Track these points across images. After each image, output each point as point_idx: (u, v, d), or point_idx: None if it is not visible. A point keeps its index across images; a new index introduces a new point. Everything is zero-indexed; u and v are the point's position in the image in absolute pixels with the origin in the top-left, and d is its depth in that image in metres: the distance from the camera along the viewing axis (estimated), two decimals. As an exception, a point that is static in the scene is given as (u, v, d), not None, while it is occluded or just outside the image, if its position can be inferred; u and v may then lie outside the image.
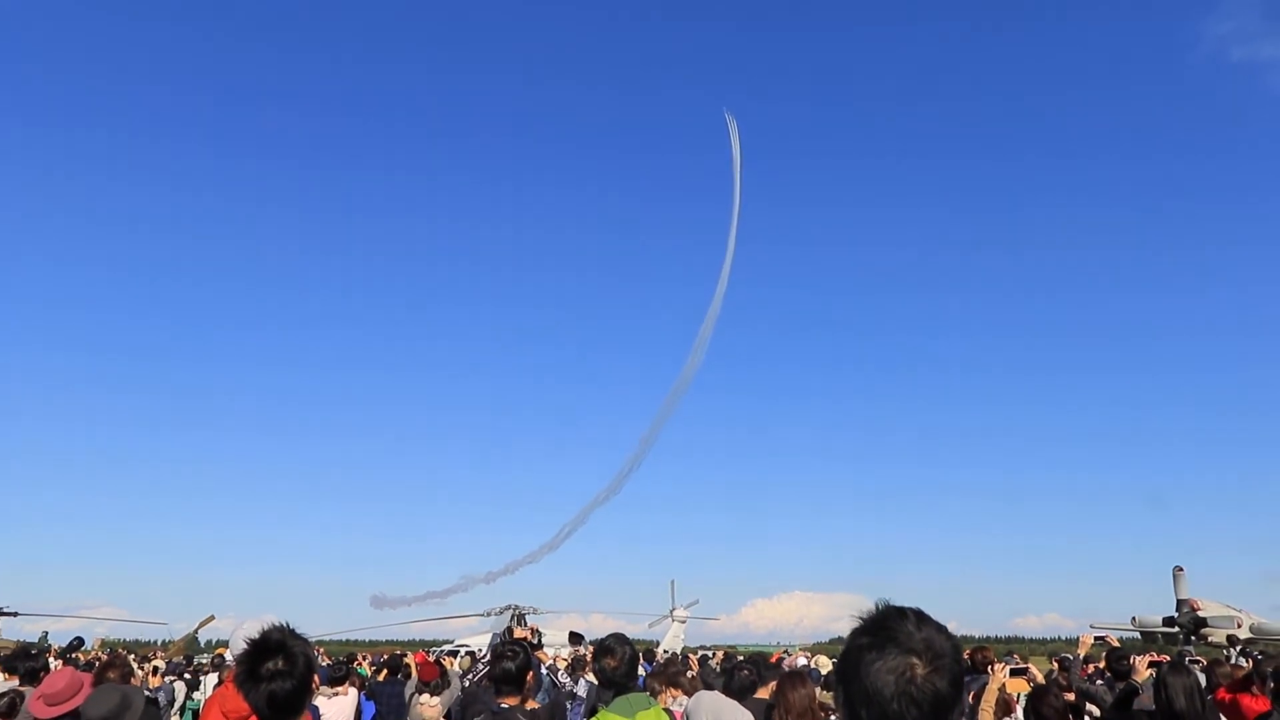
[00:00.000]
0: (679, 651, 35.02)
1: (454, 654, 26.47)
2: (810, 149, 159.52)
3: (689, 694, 7.61)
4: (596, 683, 6.61)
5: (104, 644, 24.71)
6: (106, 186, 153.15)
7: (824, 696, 7.38)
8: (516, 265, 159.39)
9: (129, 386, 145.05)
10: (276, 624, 3.30)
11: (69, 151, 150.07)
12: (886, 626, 1.79)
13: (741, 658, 13.41)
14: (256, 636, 3.24)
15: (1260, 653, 23.19)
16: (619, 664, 4.87)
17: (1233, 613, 32.21)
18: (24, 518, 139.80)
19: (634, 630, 51.39)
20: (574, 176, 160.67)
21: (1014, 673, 11.26)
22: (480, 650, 25.12)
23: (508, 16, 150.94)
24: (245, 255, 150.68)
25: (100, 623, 48.85)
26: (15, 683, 7.85)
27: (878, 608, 1.87)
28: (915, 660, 1.73)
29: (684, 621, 50.74)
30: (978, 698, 7.71)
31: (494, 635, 32.33)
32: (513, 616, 39.58)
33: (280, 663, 3.13)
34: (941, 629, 1.81)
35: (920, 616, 1.82)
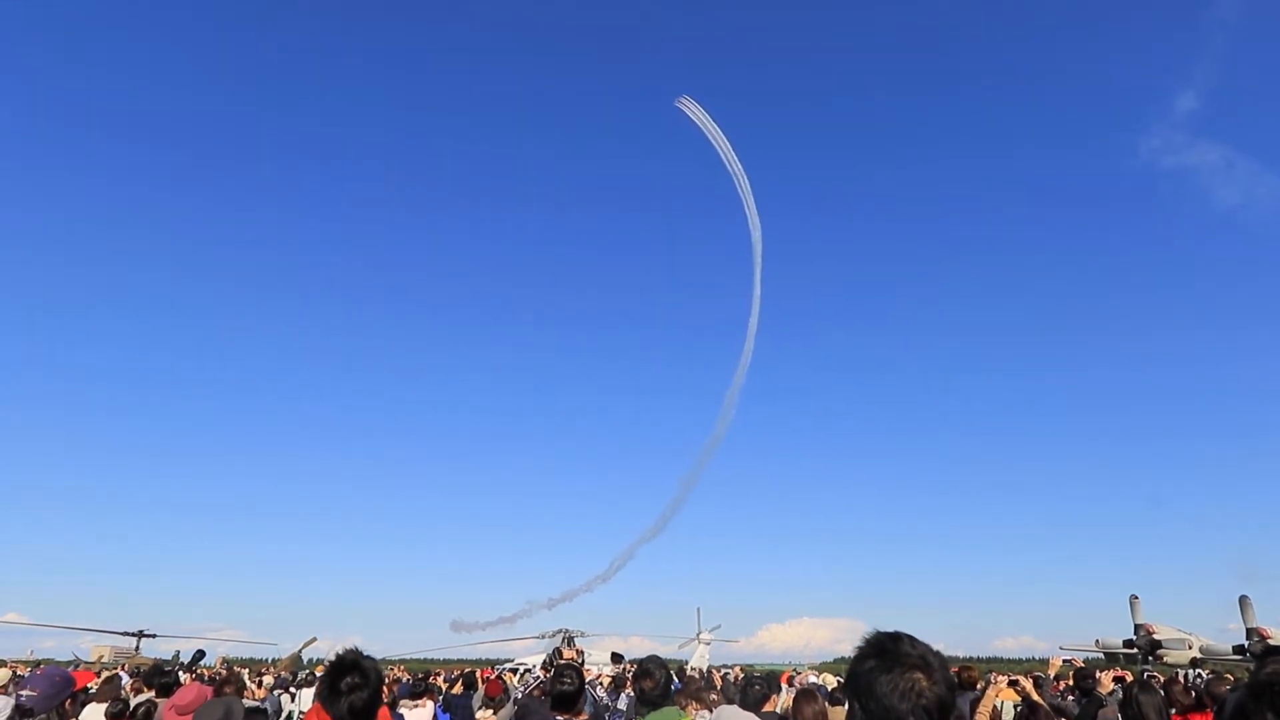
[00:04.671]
0: (704, 669, 33.81)
1: (514, 671, 25.71)
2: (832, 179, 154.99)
3: (711, 709, 7.28)
4: (636, 699, 6.40)
5: (224, 661, 24.45)
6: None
7: (833, 713, 7.00)
8: (576, 303, 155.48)
9: (251, 450, 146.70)
10: (349, 647, 3.42)
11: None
12: (889, 649, 1.82)
13: (758, 674, 12.87)
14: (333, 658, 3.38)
15: (1213, 672, 21.91)
16: (655, 685, 4.75)
17: (1185, 636, 30.66)
18: (164, 554, 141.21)
19: (665, 650, 49.87)
20: (617, 209, 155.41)
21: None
22: (534, 667, 24.46)
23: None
24: (360, 317, 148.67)
25: (222, 643, 48.50)
26: (152, 694, 7.77)
27: (874, 634, 1.88)
28: (919, 675, 1.77)
29: (709, 643, 49.03)
30: (973, 707, 7.32)
31: (546, 656, 31.59)
32: (563, 639, 38.64)
33: (356, 677, 3.23)
34: (928, 646, 1.85)
35: (911, 638, 1.86)
